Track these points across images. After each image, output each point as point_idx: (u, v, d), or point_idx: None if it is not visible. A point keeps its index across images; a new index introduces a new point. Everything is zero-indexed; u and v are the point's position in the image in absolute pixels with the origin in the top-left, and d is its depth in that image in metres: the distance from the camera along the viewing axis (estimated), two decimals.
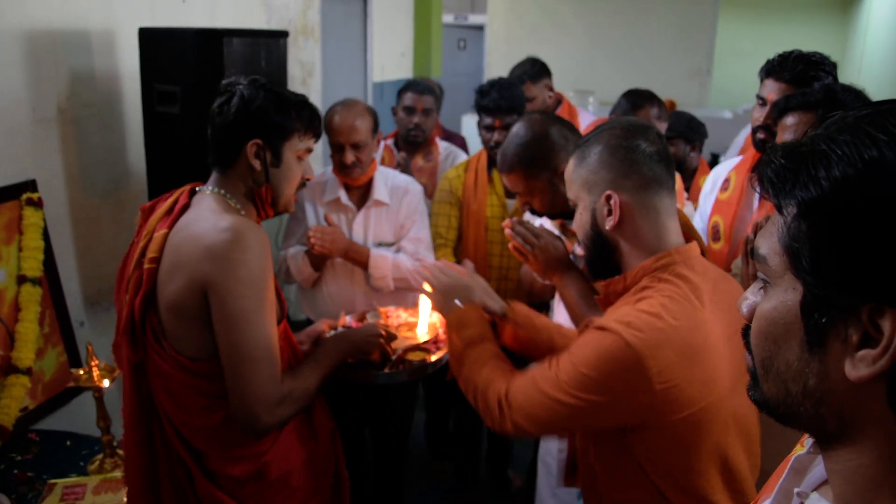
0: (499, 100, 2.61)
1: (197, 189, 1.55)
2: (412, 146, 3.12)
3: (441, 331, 1.92)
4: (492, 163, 2.73)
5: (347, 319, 2.04)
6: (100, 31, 2.22)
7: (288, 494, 1.54)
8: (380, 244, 2.44)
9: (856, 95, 1.62)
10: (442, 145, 3.20)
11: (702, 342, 1.17)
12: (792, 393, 0.61)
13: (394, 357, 1.82)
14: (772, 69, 1.98)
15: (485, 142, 2.74)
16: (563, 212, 1.77)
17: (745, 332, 0.69)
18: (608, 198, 1.25)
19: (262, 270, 1.39)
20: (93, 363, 1.80)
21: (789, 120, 1.66)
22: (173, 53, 2.03)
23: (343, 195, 2.39)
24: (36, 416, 2.01)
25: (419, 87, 3.11)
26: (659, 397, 1.14)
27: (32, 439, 1.97)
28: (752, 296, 0.68)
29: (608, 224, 1.26)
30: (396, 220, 2.44)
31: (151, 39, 2.11)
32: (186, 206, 1.50)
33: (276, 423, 1.43)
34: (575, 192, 1.34)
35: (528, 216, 2.10)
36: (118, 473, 1.82)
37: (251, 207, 1.54)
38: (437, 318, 2.00)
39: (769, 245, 0.62)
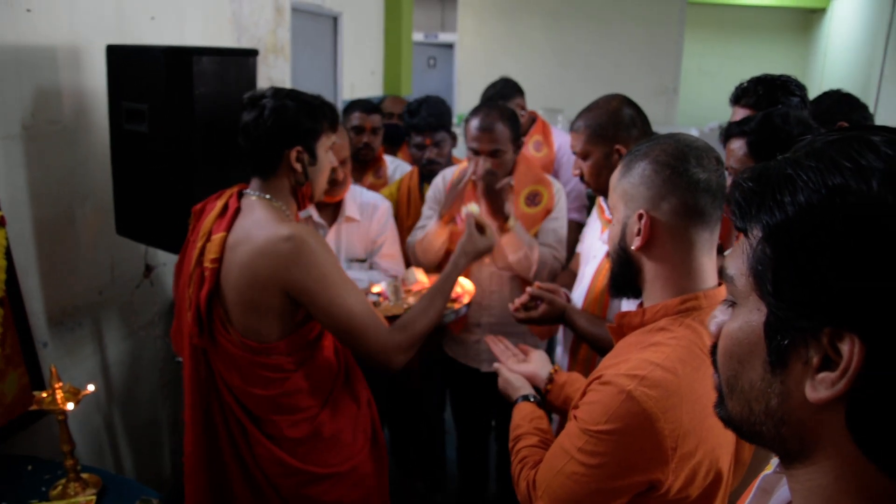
0: (428, 118, 2.68)
1: (243, 192, 1.77)
2: (361, 164, 3.08)
3: (459, 290, 2.27)
4: (422, 179, 2.79)
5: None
6: (66, 47, 2.19)
7: (339, 450, 1.81)
8: (352, 260, 2.45)
9: (784, 119, 1.68)
10: (388, 160, 3.19)
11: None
12: (755, 412, 0.62)
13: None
14: (738, 96, 2.10)
15: (416, 160, 2.77)
16: (604, 189, 1.91)
17: (713, 350, 0.69)
18: (640, 216, 1.19)
19: (329, 260, 1.66)
20: (56, 385, 1.76)
21: (732, 145, 1.77)
22: (142, 71, 2.01)
23: (314, 213, 2.39)
24: None
25: (366, 106, 3.07)
26: (672, 465, 1.08)
27: None
28: (720, 315, 0.69)
29: (634, 244, 1.20)
30: (367, 236, 2.46)
31: (120, 57, 2.08)
32: (237, 210, 1.73)
33: (406, 358, 1.75)
34: (613, 202, 1.28)
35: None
36: (82, 499, 1.78)
37: (293, 204, 1.79)
38: (463, 281, 2.33)
39: (736, 266, 0.63)
